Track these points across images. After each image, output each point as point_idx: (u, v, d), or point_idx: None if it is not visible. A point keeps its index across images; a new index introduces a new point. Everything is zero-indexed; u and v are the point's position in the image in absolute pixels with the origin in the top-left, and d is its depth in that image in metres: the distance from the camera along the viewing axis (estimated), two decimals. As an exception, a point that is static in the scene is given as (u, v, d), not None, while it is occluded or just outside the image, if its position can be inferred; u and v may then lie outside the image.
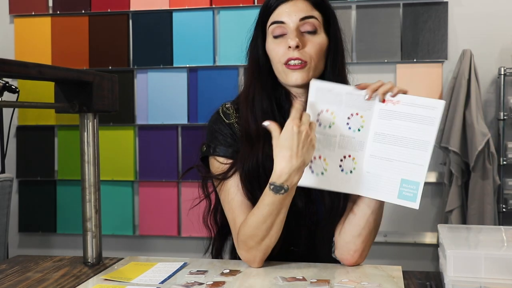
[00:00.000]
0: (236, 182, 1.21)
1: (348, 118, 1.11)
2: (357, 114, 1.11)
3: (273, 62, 1.21)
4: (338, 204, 1.22)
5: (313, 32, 1.18)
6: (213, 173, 1.24)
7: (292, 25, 1.16)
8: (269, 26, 1.20)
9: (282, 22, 1.18)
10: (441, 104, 1.07)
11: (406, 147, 1.09)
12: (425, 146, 1.08)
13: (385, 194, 1.11)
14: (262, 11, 1.23)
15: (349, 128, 1.12)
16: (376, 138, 1.11)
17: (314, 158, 1.10)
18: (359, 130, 1.12)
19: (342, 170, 1.12)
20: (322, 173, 1.11)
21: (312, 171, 1.11)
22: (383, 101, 1.11)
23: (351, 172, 1.12)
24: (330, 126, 1.11)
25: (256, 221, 1.13)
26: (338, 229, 1.23)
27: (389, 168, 1.10)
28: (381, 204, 1.17)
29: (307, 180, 1.11)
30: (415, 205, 1.10)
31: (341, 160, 1.12)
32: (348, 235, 1.19)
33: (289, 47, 1.15)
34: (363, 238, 1.18)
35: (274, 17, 1.19)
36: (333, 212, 1.23)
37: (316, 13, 1.19)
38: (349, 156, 1.12)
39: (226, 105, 1.28)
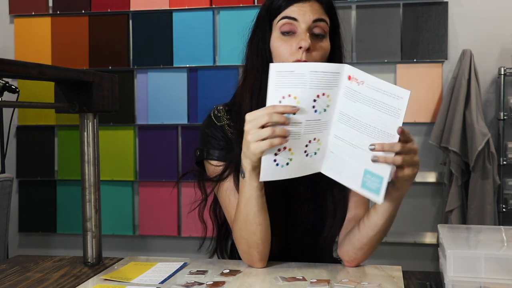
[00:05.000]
0: (232, 183, 1.21)
1: (314, 100, 1.00)
2: (323, 94, 1.00)
3: (276, 59, 1.18)
4: (343, 207, 1.23)
5: (322, 37, 1.17)
6: (208, 176, 1.24)
7: (304, 25, 1.14)
8: (278, 21, 1.17)
9: (294, 19, 1.15)
10: (407, 94, 0.94)
11: (369, 136, 0.98)
12: (389, 139, 0.97)
13: (348, 180, 1.03)
14: (271, 7, 1.19)
15: (315, 111, 1.01)
16: (341, 118, 1.02)
17: (279, 150, 1.01)
18: (325, 110, 1.01)
19: (307, 155, 1.04)
20: (287, 163, 1.03)
21: (277, 164, 1.03)
22: (349, 77, 0.99)
23: (315, 153, 1.04)
24: (294, 113, 1.00)
25: (236, 214, 1.15)
26: (342, 232, 1.24)
27: (352, 155, 1.01)
28: (387, 226, 1.15)
29: (271, 173, 1.03)
30: (379, 199, 0.99)
31: (306, 146, 1.03)
32: (350, 246, 1.18)
33: (300, 47, 1.13)
34: (364, 251, 1.17)
35: (286, 12, 1.16)
36: (337, 216, 1.24)
37: (326, 18, 1.18)
38: (314, 139, 1.03)
39: (218, 108, 1.28)
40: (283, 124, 0.99)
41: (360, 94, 0.98)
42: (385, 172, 0.98)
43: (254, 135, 1.00)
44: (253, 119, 1.01)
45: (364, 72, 0.98)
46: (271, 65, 0.99)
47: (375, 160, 0.97)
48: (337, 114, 1.02)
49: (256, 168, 1.06)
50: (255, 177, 1.08)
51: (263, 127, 0.99)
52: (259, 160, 1.03)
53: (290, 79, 0.99)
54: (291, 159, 1.03)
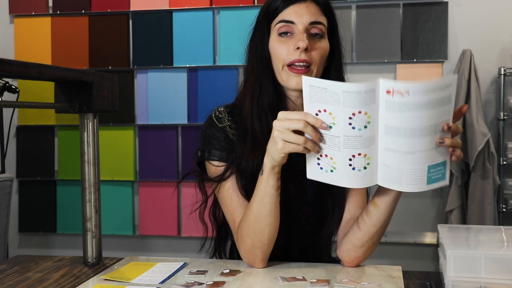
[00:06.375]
0: (233, 183, 1.20)
1: (350, 118, 0.99)
2: (359, 112, 0.98)
3: (275, 60, 1.19)
4: (340, 206, 1.24)
5: (320, 37, 1.17)
6: (209, 176, 1.24)
7: (301, 27, 1.15)
8: (276, 24, 1.18)
9: (291, 22, 1.16)
10: (454, 79, 0.96)
11: (427, 135, 0.97)
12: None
13: (410, 186, 1.01)
14: (269, 9, 1.20)
15: (353, 128, 0.99)
16: (388, 131, 0.99)
17: (321, 155, 1.03)
18: (365, 127, 0.99)
19: (353, 169, 1.02)
20: (332, 171, 1.03)
21: (321, 168, 1.04)
22: (388, 92, 0.96)
23: (364, 168, 1.02)
24: (330, 127, 1.01)
25: (247, 211, 1.15)
26: (341, 233, 1.23)
27: (411, 161, 0.99)
28: (388, 220, 1.15)
29: (317, 175, 1.05)
30: (446, 182, 1.02)
31: (350, 160, 1.01)
32: (350, 244, 1.18)
33: (297, 48, 1.13)
34: (365, 248, 1.17)
35: (283, 16, 1.17)
36: (334, 215, 1.24)
37: (323, 19, 1.18)
38: (359, 154, 1.01)
39: (219, 109, 1.28)
40: (315, 137, 1.00)
41: (407, 104, 0.95)
42: (446, 154, 1.00)
43: (284, 135, 1.01)
44: (286, 119, 1.01)
45: (402, 81, 0.96)
46: (303, 77, 1.00)
47: (441, 142, 0.97)
48: (382, 128, 0.99)
49: (276, 167, 1.07)
50: (273, 176, 1.08)
51: (294, 131, 1.00)
52: (281, 160, 1.05)
53: (324, 95, 0.99)
54: (334, 168, 1.03)
